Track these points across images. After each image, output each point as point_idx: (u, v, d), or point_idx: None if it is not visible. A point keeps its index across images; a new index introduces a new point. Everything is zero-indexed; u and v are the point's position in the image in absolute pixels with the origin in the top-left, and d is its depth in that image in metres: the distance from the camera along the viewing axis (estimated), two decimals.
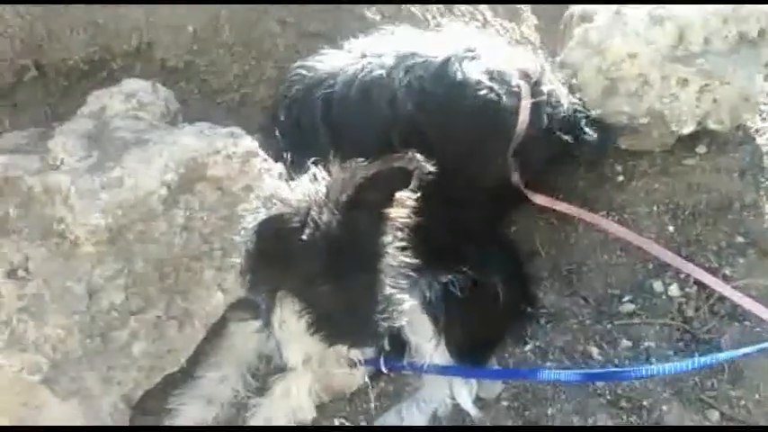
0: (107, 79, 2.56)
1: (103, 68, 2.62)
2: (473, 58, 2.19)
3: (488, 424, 2.13)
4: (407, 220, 1.82)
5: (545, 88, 2.21)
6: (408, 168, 1.72)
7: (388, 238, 1.81)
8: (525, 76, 2.21)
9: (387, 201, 1.79)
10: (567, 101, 2.27)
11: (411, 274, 1.90)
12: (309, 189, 1.76)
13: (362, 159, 1.74)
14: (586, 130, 2.26)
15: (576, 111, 2.28)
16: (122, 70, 2.61)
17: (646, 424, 2.10)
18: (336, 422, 2.17)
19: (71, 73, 2.60)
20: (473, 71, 2.15)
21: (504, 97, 2.15)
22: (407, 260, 1.84)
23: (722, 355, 2.07)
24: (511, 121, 2.16)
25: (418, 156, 1.74)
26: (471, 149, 2.15)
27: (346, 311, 1.80)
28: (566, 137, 2.24)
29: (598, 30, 2.66)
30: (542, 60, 2.45)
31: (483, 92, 2.13)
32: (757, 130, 2.87)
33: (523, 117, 2.16)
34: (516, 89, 2.17)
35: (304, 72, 2.27)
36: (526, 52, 2.53)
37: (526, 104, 2.16)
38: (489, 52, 2.23)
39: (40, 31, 2.52)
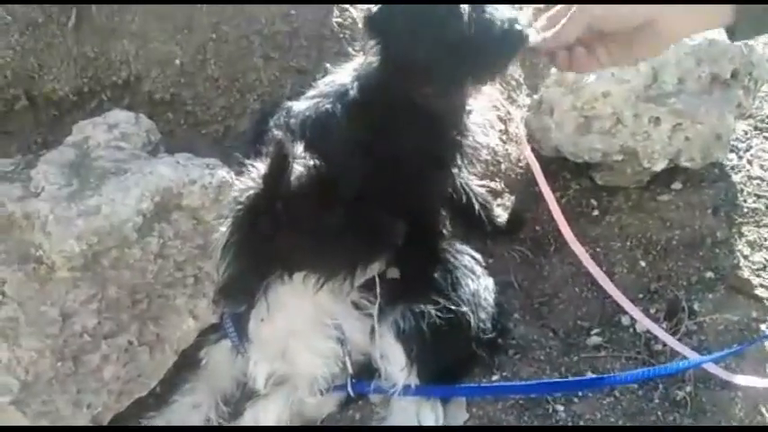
0: (96, 110, 2.63)
1: (92, 99, 2.70)
2: None
3: None
4: None
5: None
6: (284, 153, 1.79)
7: None
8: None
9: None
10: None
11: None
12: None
13: None
14: None
15: None
16: (111, 101, 2.69)
17: None
18: None
19: (61, 103, 2.68)
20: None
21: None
22: None
23: (682, 364, 2.10)
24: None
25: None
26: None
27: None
28: None
29: None
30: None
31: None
32: (733, 168, 2.92)
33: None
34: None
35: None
36: None
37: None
38: None
39: (32, 62, 2.62)
